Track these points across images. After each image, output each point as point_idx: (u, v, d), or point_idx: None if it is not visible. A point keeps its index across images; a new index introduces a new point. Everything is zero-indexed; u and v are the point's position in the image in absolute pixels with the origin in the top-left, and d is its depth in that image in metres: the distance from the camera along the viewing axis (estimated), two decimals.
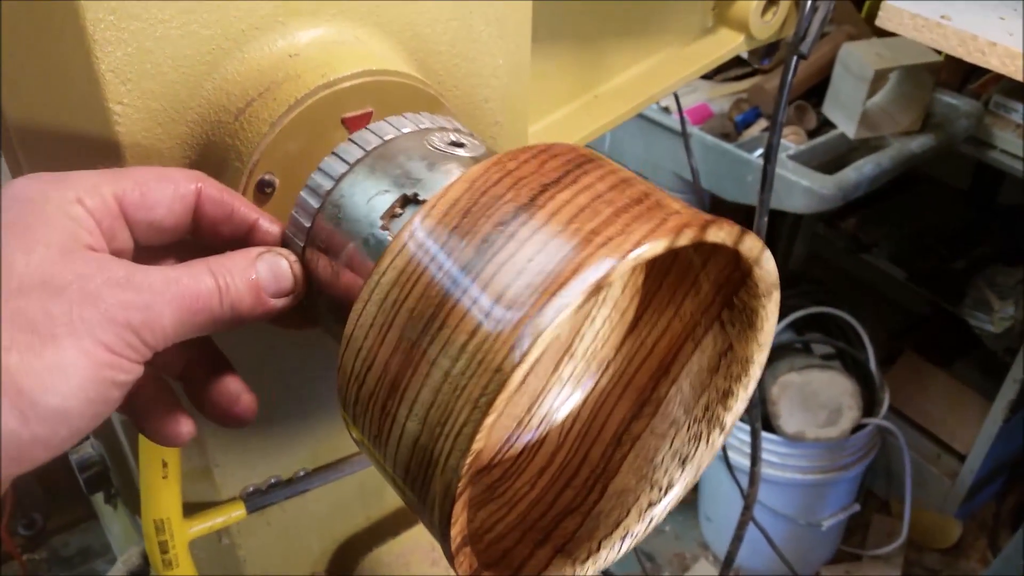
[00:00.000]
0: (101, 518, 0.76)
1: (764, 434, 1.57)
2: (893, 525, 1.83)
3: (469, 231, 0.30)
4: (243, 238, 0.37)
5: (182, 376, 0.39)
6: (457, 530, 0.30)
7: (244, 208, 0.37)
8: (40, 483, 1.72)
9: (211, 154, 0.41)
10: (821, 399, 1.51)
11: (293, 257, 0.37)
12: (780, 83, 0.65)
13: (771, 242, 1.93)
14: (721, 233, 0.31)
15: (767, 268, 0.35)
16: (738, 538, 0.88)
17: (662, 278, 0.43)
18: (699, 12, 0.66)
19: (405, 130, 0.40)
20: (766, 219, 0.75)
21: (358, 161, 0.38)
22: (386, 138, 0.39)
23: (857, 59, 1.26)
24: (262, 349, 0.51)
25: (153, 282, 0.32)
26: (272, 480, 0.58)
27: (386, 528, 0.68)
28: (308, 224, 0.38)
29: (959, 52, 0.69)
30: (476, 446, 0.27)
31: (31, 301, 0.29)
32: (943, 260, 1.69)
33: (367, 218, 0.36)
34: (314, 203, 0.38)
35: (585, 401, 0.45)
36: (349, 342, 0.32)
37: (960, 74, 1.49)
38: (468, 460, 0.27)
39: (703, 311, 0.40)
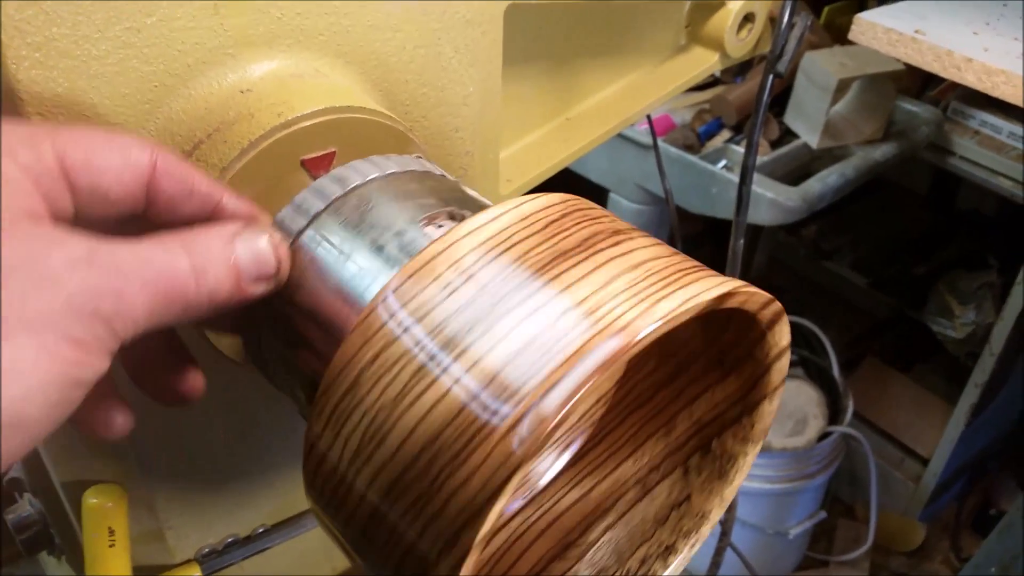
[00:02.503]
0: (45, 568, 0.71)
1: None
2: (858, 530, 1.83)
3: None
4: (205, 220, 0.32)
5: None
6: None
7: (206, 185, 0.32)
8: None
9: None
10: (787, 409, 1.50)
11: (277, 236, 0.32)
12: (756, 102, 0.63)
13: (727, 246, 1.92)
14: (741, 297, 0.28)
15: (779, 367, 0.32)
16: (715, 564, 0.86)
17: (628, 413, 0.39)
18: (672, 31, 0.63)
19: (371, 176, 0.36)
20: (742, 242, 0.73)
21: (329, 206, 0.34)
22: (350, 185, 0.35)
23: (819, 69, 1.25)
24: (214, 401, 0.47)
25: (121, 262, 0.26)
26: (229, 539, 0.54)
27: None
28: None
29: (935, 68, 0.68)
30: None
31: None
32: (904, 266, 1.70)
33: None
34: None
35: (502, 527, 0.40)
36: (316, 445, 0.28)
37: (919, 81, 1.49)
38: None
39: (668, 455, 0.36)
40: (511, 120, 0.57)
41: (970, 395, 1.60)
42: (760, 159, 1.25)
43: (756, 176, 1.22)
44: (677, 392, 0.37)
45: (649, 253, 0.28)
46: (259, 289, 0.31)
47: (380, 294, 0.28)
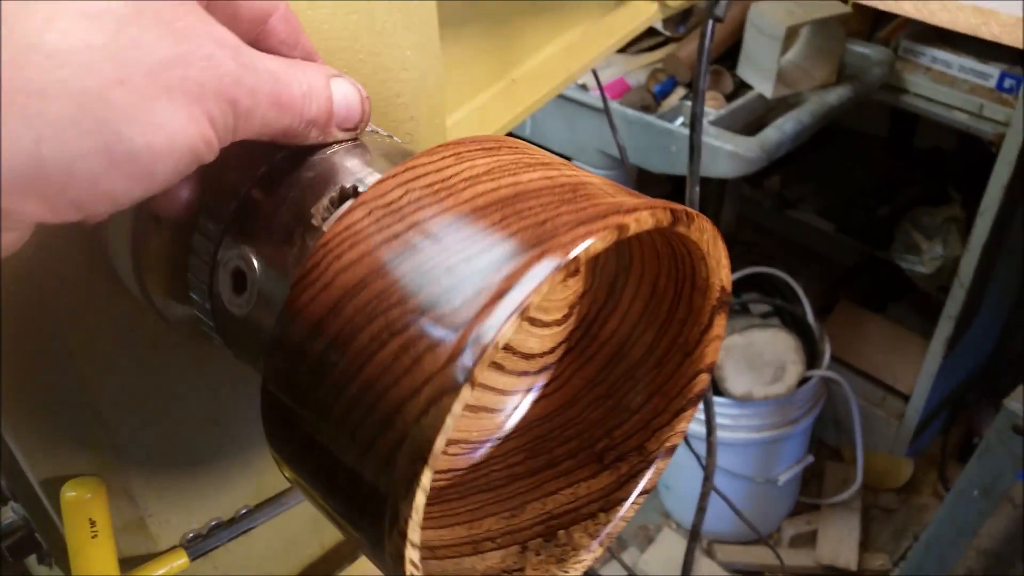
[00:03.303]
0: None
1: (714, 398, 1.57)
2: (847, 471, 1.86)
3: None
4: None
5: None
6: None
7: (309, 43, 0.33)
8: None
9: None
10: (765, 358, 1.52)
11: (365, 91, 0.33)
12: (698, 49, 0.64)
13: (700, 208, 1.93)
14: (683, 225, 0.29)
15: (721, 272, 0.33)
16: (701, 509, 0.88)
17: (472, 492, 0.39)
18: None
19: None
20: (697, 189, 0.74)
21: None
22: None
23: (767, 18, 1.26)
24: (183, 386, 0.48)
25: (260, 68, 0.28)
26: (213, 522, 0.55)
27: (343, 554, 0.65)
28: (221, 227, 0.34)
29: (871, 1, 0.68)
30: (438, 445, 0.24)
31: (147, 33, 0.24)
32: (868, 209, 1.72)
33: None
34: (216, 227, 0.34)
35: None
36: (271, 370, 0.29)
37: (869, 22, 1.50)
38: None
39: (506, 533, 0.37)
40: (455, 85, 0.57)
41: (944, 328, 1.63)
42: (717, 113, 1.26)
43: (714, 130, 1.23)
44: (535, 485, 0.38)
45: (567, 178, 0.29)
46: (341, 135, 0.33)
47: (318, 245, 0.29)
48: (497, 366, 0.41)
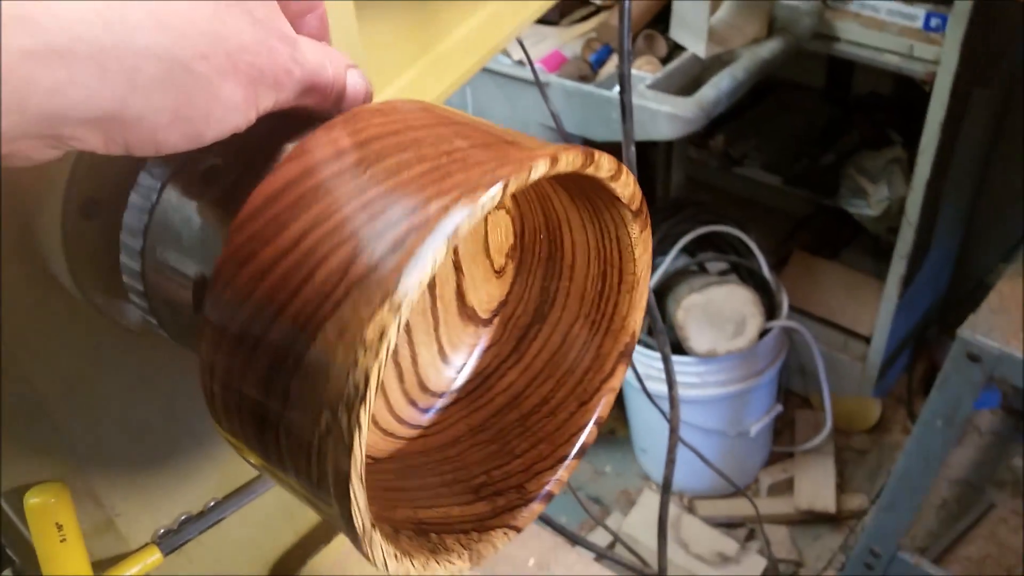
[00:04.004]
0: None
1: (678, 357, 1.60)
2: (817, 417, 1.90)
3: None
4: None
5: None
6: (363, 508, 0.28)
7: (324, 17, 0.36)
8: None
9: None
10: (725, 313, 1.55)
11: (371, 86, 0.36)
12: (619, 10, 0.65)
13: (648, 174, 1.96)
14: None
15: (627, 182, 0.34)
16: (670, 462, 0.89)
17: None
18: None
19: None
20: (633, 149, 0.75)
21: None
22: None
23: None
24: (136, 383, 0.48)
25: (309, 60, 0.31)
26: (183, 517, 0.55)
27: (318, 537, 0.66)
28: (140, 243, 0.35)
29: None
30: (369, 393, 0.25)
31: (235, 20, 0.28)
32: (813, 158, 1.75)
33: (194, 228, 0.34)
34: (139, 223, 0.35)
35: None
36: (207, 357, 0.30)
37: None
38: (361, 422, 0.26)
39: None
40: (378, 64, 0.58)
41: (897, 268, 1.66)
42: (653, 76, 1.28)
43: (651, 93, 1.25)
44: (405, 499, 0.38)
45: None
46: (338, 108, 0.34)
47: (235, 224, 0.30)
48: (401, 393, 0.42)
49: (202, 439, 0.54)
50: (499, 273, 0.44)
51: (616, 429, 2.02)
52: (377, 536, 0.28)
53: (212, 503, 0.57)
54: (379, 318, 0.25)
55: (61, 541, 0.49)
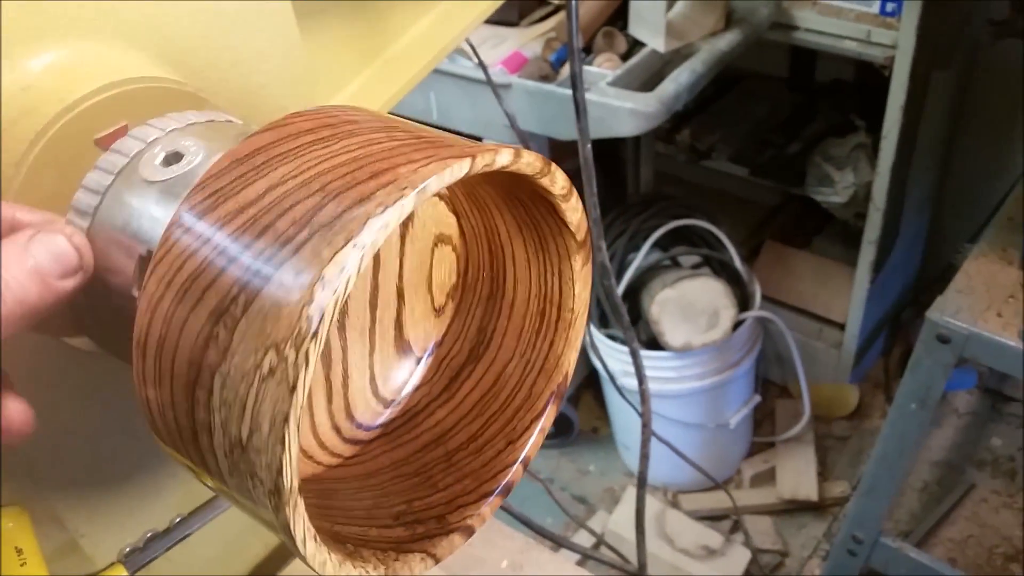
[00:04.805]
0: None
1: (655, 352, 1.61)
2: (796, 406, 1.91)
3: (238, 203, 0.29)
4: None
5: None
6: (300, 518, 0.28)
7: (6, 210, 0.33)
8: None
9: None
10: (698, 306, 1.55)
11: (69, 230, 0.33)
12: (567, 8, 0.65)
13: (617, 170, 1.96)
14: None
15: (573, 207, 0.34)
16: (644, 456, 0.90)
17: None
18: None
19: (169, 128, 0.37)
20: (589, 146, 0.76)
21: (120, 171, 0.35)
22: (148, 140, 0.36)
23: None
24: (94, 403, 0.48)
25: None
26: (148, 534, 0.55)
27: (287, 550, 0.65)
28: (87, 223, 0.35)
29: None
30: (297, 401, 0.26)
31: None
32: (779, 148, 1.76)
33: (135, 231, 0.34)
34: (83, 223, 0.35)
35: None
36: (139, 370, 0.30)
37: None
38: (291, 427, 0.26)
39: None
40: (327, 70, 0.58)
41: (867, 253, 1.68)
42: (614, 73, 1.28)
43: (612, 90, 1.26)
44: (322, 513, 0.38)
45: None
46: (69, 283, 0.32)
47: (167, 229, 0.29)
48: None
49: (164, 457, 0.53)
50: (438, 312, 0.44)
51: (599, 427, 2.02)
52: (302, 506, 0.28)
53: (178, 519, 0.56)
54: (339, 257, 0.26)
55: (21, 565, 0.48)
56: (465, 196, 0.41)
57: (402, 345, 0.43)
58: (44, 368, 0.45)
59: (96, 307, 0.36)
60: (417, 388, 0.43)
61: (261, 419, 0.26)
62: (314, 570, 0.30)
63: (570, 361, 0.40)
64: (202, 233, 0.29)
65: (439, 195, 0.41)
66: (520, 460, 0.39)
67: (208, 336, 0.28)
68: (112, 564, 0.54)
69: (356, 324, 0.40)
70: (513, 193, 0.37)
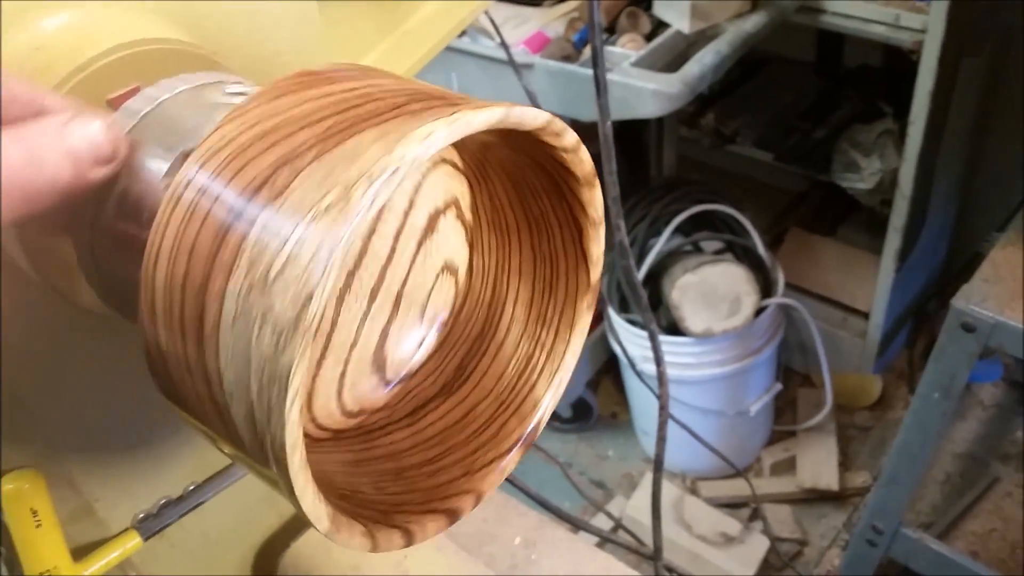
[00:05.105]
0: None
1: (675, 338, 1.60)
2: (818, 396, 1.89)
3: (246, 163, 0.28)
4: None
5: None
6: (305, 483, 0.28)
7: (27, 88, 0.32)
8: None
9: None
10: (720, 292, 1.54)
11: (108, 118, 0.32)
12: None
13: (640, 154, 1.95)
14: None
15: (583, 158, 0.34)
16: (661, 439, 0.89)
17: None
18: None
19: (180, 89, 0.37)
20: (610, 123, 0.75)
21: (132, 129, 0.35)
22: (161, 99, 0.36)
23: None
24: (108, 368, 0.48)
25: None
26: (162, 501, 0.55)
27: (302, 520, 0.66)
28: None
29: None
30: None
31: None
32: (805, 133, 1.74)
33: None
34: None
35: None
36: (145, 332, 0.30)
37: None
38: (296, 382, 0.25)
39: None
40: (344, 40, 0.58)
41: (893, 241, 1.66)
42: (637, 54, 1.27)
43: (635, 70, 1.24)
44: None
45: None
46: (99, 173, 0.32)
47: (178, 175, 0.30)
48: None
49: (177, 427, 0.54)
50: (420, 343, 0.43)
51: (618, 413, 2.02)
52: (302, 445, 0.28)
53: (192, 487, 0.56)
54: (414, 136, 0.26)
55: (36, 527, 0.49)
56: (489, 223, 0.41)
57: (379, 359, 0.41)
58: (60, 334, 0.45)
59: (107, 248, 0.36)
60: (379, 409, 0.42)
61: (283, 322, 0.26)
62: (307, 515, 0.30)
63: (548, 409, 0.38)
64: (243, 152, 0.29)
65: (462, 219, 0.41)
66: (473, 492, 0.37)
67: (266, 178, 0.27)
68: (126, 530, 0.54)
69: (353, 307, 0.39)
70: (543, 217, 0.37)
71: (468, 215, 0.42)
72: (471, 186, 0.41)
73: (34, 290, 0.42)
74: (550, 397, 0.39)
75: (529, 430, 0.38)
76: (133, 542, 0.54)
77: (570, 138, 0.33)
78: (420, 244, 0.40)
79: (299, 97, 0.30)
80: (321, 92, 0.30)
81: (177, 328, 0.29)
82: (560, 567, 0.61)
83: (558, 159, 0.34)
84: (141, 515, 0.55)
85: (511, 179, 0.39)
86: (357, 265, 0.38)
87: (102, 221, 0.34)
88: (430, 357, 0.43)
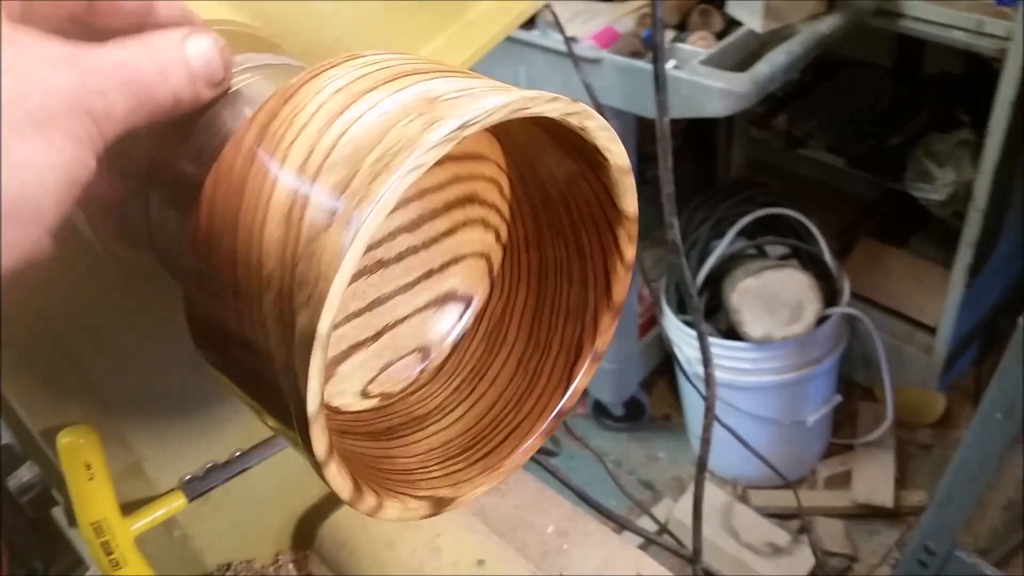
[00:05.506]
0: (79, 548, 0.76)
1: (732, 342, 1.58)
2: (879, 410, 1.85)
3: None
4: (143, 24, 0.33)
5: None
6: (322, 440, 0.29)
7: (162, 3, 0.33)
8: (35, 531, 1.70)
9: None
10: (781, 298, 1.52)
11: (221, 40, 0.33)
12: None
13: (708, 153, 1.93)
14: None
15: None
16: (706, 440, 0.89)
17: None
18: None
19: (245, 67, 0.39)
20: (667, 120, 0.75)
21: None
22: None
23: None
24: (161, 333, 0.50)
25: (101, 63, 0.28)
26: (208, 465, 0.58)
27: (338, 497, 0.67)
28: None
29: None
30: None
31: None
32: (878, 140, 1.70)
33: None
34: None
35: None
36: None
37: None
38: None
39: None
40: (404, 29, 0.59)
41: (964, 256, 1.61)
42: (707, 52, 1.26)
43: (704, 68, 1.24)
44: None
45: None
46: (209, 93, 0.33)
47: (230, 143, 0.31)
48: None
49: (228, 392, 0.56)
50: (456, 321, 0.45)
51: (671, 415, 2.00)
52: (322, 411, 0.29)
53: (237, 453, 0.59)
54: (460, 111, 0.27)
55: (89, 480, 0.51)
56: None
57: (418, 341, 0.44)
58: (114, 297, 0.47)
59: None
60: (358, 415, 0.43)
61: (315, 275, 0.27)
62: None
63: (517, 462, 0.39)
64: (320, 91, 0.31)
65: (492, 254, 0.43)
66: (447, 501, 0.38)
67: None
68: (172, 490, 0.57)
69: (392, 280, 0.41)
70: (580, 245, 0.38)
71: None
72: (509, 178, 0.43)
73: (91, 252, 0.44)
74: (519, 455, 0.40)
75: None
76: (178, 502, 0.56)
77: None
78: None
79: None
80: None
81: (227, 258, 0.31)
82: (591, 559, 0.62)
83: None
84: (188, 477, 0.57)
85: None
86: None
87: (164, 159, 0.36)
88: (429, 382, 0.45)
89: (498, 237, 0.44)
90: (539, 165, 0.40)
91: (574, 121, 0.32)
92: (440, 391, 0.43)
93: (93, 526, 0.52)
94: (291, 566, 0.66)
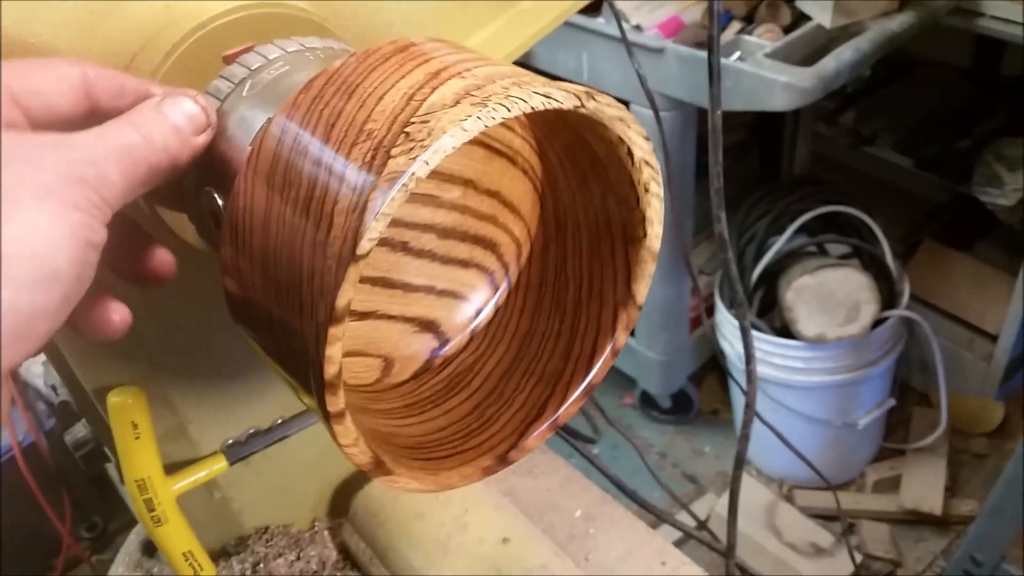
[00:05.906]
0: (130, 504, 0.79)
1: (784, 340, 1.56)
2: (934, 417, 1.81)
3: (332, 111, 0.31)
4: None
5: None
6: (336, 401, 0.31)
7: (135, 82, 0.37)
8: (95, 487, 1.77)
9: None
10: (837, 298, 1.50)
11: (192, 92, 0.36)
12: None
13: (773, 147, 1.90)
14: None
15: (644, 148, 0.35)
16: (744, 436, 0.88)
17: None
18: None
19: (291, 49, 0.40)
20: (719, 113, 0.74)
21: (242, 81, 0.39)
22: (270, 57, 0.39)
23: None
24: (208, 301, 0.52)
25: (84, 140, 0.31)
26: (250, 430, 0.60)
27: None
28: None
29: None
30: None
31: None
32: (948, 141, 1.65)
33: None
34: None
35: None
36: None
37: None
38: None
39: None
40: (456, 16, 0.59)
41: None
42: (773, 45, 1.24)
43: (768, 62, 1.22)
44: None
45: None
46: (201, 139, 0.36)
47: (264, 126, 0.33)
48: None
49: None
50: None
51: (719, 410, 1.99)
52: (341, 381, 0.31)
53: (279, 421, 0.61)
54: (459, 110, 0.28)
55: (136, 439, 0.54)
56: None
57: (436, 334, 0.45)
58: None
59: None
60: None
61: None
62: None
63: (452, 480, 0.39)
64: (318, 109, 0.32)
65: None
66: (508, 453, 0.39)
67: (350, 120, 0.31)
68: (214, 453, 0.59)
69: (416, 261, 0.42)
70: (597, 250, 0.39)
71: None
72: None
73: (144, 222, 0.46)
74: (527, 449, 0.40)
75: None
76: (220, 465, 0.58)
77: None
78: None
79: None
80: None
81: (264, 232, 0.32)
82: (616, 546, 0.63)
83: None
84: (230, 441, 0.59)
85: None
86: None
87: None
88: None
89: (494, 296, 0.45)
90: (572, 238, 0.41)
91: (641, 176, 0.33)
92: (393, 400, 0.43)
93: (137, 483, 0.55)
94: (326, 533, 0.68)
